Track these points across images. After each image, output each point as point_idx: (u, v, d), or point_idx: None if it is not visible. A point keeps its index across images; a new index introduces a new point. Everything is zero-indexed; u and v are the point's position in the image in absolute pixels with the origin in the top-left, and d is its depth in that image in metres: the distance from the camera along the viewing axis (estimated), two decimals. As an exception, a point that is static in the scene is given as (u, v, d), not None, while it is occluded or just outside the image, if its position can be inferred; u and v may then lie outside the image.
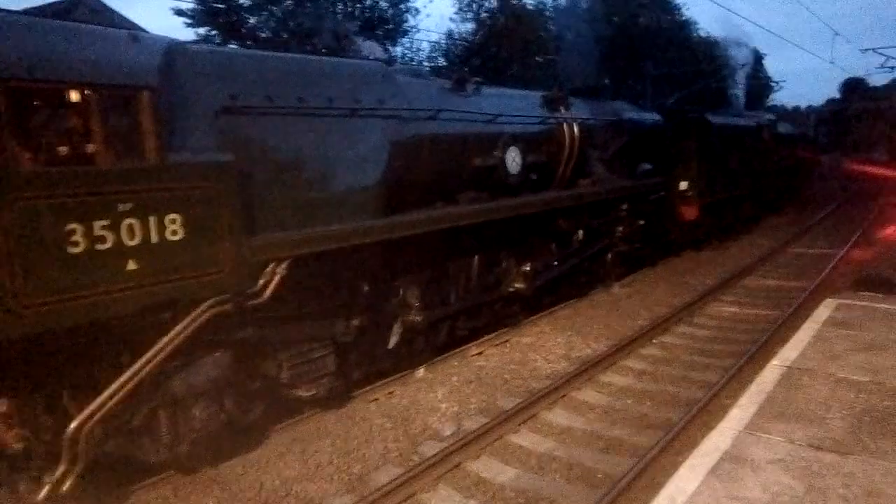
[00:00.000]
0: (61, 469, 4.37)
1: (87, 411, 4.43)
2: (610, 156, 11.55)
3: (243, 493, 5.27)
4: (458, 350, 8.44)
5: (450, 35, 28.11)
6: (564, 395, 7.07)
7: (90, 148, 4.35)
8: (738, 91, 24.73)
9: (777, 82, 43.00)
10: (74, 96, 4.32)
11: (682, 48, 31.55)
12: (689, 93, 22.87)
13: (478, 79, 9.15)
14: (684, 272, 13.54)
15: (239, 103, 5.43)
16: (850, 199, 27.06)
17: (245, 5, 21.69)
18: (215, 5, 20.84)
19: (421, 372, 7.74)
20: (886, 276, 10.16)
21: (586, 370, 7.60)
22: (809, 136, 31.17)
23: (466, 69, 19.57)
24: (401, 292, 7.44)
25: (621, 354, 8.28)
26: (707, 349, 8.66)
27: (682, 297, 11.10)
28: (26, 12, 5.01)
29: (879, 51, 26.21)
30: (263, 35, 20.96)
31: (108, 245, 4.23)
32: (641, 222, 12.26)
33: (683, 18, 34.68)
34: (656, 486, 4.30)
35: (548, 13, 29.41)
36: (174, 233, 4.59)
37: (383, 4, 24.80)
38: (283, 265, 5.50)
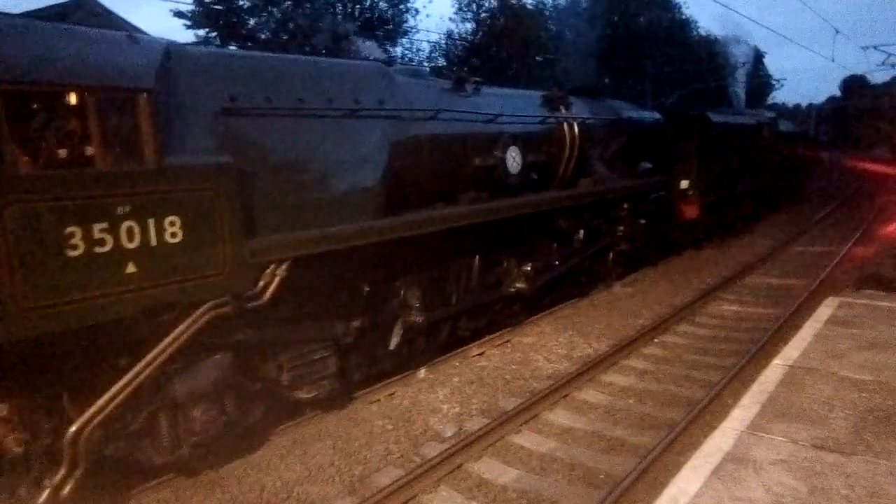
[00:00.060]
0: (62, 472, 4.36)
1: (87, 414, 4.42)
2: (610, 155, 11.54)
3: (244, 496, 5.26)
4: (459, 350, 8.42)
5: (449, 35, 28.12)
6: (566, 395, 7.05)
7: (89, 150, 4.33)
8: (739, 89, 24.71)
9: (777, 80, 43.00)
10: (73, 99, 4.31)
11: (682, 47, 31.52)
12: (689, 91, 22.86)
13: (477, 79, 9.14)
14: (685, 271, 13.52)
15: (238, 105, 5.42)
16: (852, 196, 27.04)
17: (244, 7, 21.70)
18: (215, 7, 20.84)
19: (422, 373, 7.73)
20: (888, 273, 10.13)
21: (588, 370, 7.58)
22: (810, 134, 31.14)
23: (466, 69, 19.58)
24: (401, 293, 7.42)
25: (623, 354, 8.27)
26: (709, 348, 8.65)
27: (683, 296, 11.08)
28: (25, 15, 5.01)
29: (880, 48, 26.17)
30: (263, 36, 20.95)
31: (106, 248, 4.22)
32: (642, 221, 12.24)
33: (683, 17, 34.66)
34: (658, 487, 4.29)
35: (547, 13, 29.41)
36: (173, 235, 4.58)
37: (383, 5, 24.81)
38: (283, 267, 5.49)
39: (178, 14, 20.50)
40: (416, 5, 25.95)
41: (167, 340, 4.73)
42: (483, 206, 8.13)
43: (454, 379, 7.58)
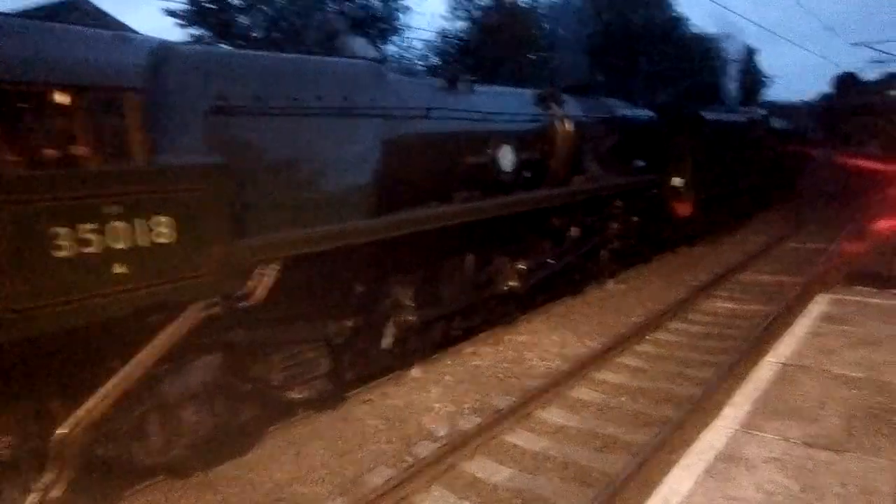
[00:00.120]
0: (50, 475, 4.32)
1: (75, 416, 4.38)
2: (603, 153, 11.53)
3: (236, 497, 5.24)
4: (452, 349, 8.41)
5: (443, 34, 28.05)
6: (559, 394, 7.04)
7: (77, 150, 4.29)
8: (732, 86, 24.75)
9: (770, 77, 43.11)
10: (60, 98, 4.26)
11: (675, 44, 31.56)
12: (682, 89, 22.89)
13: (470, 77, 9.11)
14: (678, 268, 13.55)
15: (228, 103, 5.37)
16: (843, 193, 27.10)
17: (236, 5, 21.59)
18: (206, 6, 20.73)
19: (415, 372, 7.71)
20: (879, 270, 10.15)
21: (581, 368, 7.58)
22: (802, 131, 31.22)
23: (460, 66, 19.54)
24: (394, 292, 7.40)
25: (616, 351, 8.27)
26: (702, 345, 8.66)
27: (676, 293, 11.10)
28: (14, 14, 4.96)
29: (871, 45, 26.26)
30: (255, 35, 20.86)
31: (94, 248, 4.18)
32: (635, 219, 12.26)
33: (675, 15, 34.68)
34: (651, 486, 4.28)
35: (540, 10, 29.38)
36: (162, 235, 4.53)
37: (375, 3, 24.72)
38: (274, 267, 5.45)
39: (171, 13, 20.43)
40: (408, 3, 25.73)
41: (157, 341, 4.69)
42: (475, 205, 8.11)
43: (447, 378, 7.57)
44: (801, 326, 6.92)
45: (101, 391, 4.47)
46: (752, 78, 38.21)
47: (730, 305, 10.63)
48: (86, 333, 4.35)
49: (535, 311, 10.08)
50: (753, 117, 19.97)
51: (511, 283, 9.14)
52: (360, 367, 7.09)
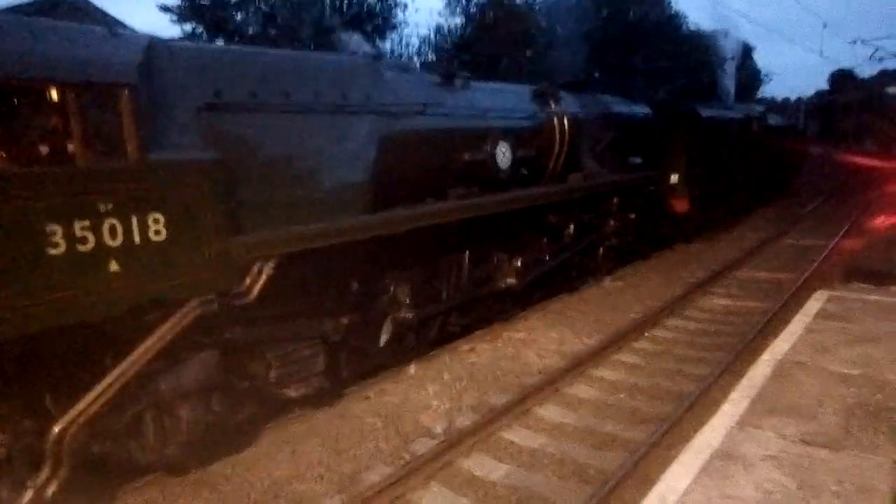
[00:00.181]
0: (45, 473, 4.30)
1: (71, 414, 4.35)
2: (600, 150, 11.53)
3: (232, 494, 5.21)
4: (449, 346, 8.39)
5: (438, 30, 27.98)
6: (556, 391, 7.04)
7: (70, 147, 4.26)
8: (729, 83, 24.74)
9: (766, 74, 43.18)
10: (53, 94, 4.23)
11: (672, 41, 31.53)
12: (679, 85, 22.87)
13: (466, 73, 9.09)
14: (676, 265, 13.54)
15: (222, 100, 5.34)
16: (840, 190, 27.17)
17: (231, 2, 21.50)
18: (201, 2, 20.64)
19: (412, 369, 7.69)
20: (876, 267, 10.17)
21: (578, 365, 7.57)
22: (799, 127, 31.27)
23: (456, 62, 19.49)
24: (391, 289, 7.38)
25: (613, 349, 8.26)
26: (699, 342, 8.66)
27: (673, 290, 11.09)
28: (6, 10, 4.92)
29: (868, 42, 26.28)
30: (250, 31, 20.78)
31: (89, 246, 4.15)
32: (632, 216, 12.24)
33: (672, 11, 34.66)
34: (648, 483, 4.27)
35: (537, 7, 29.31)
36: (157, 233, 4.51)
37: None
38: (270, 264, 5.42)
39: (165, 9, 20.34)
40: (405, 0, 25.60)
41: (152, 339, 4.67)
42: (472, 202, 8.08)
43: (444, 375, 7.55)
44: (799, 323, 6.92)
45: (97, 389, 4.44)
46: (749, 75, 38.25)
47: (727, 302, 10.63)
48: (81, 331, 4.33)
49: (532, 309, 10.07)
50: (750, 114, 19.97)
51: (508, 280, 9.13)
52: (357, 365, 7.07)
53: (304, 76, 6.22)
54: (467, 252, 8.52)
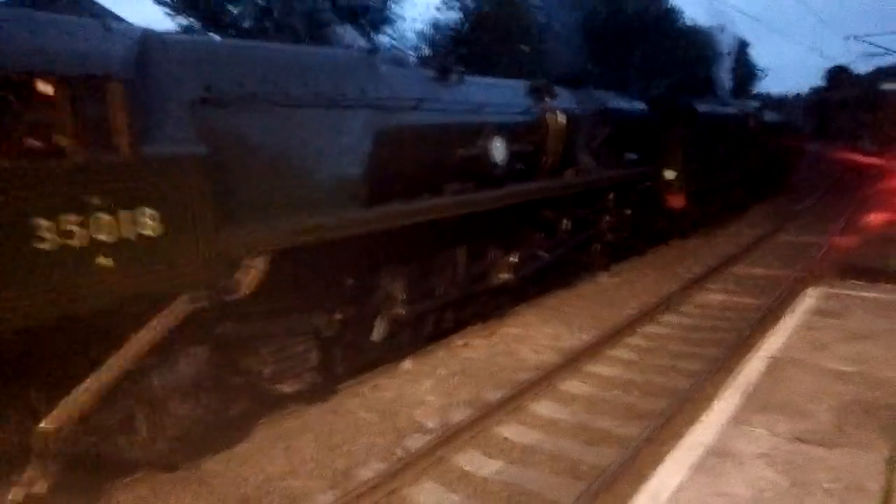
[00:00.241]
0: (34, 470, 4.27)
1: (59, 409, 4.32)
2: (596, 145, 11.51)
3: (225, 490, 5.19)
4: (444, 341, 8.38)
5: (435, 25, 27.88)
6: (551, 386, 7.03)
7: (60, 141, 4.21)
8: (725, 79, 24.73)
9: (762, 70, 43.19)
10: (44, 87, 4.18)
11: (668, 37, 31.49)
12: (675, 81, 22.84)
13: (461, 68, 9.05)
14: (671, 261, 13.55)
15: (216, 94, 5.29)
16: (836, 186, 27.21)
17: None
18: (196, -5, 20.52)
19: (407, 364, 7.67)
20: (871, 263, 10.17)
21: (573, 361, 7.56)
22: (795, 124, 31.28)
23: (453, 57, 19.43)
24: (385, 285, 7.35)
25: (608, 344, 8.26)
26: (694, 338, 8.66)
27: (669, 286, 11.09)
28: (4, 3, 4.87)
29: (863, 38, 26.28)
30: (246, 25, 20.66)
31: (78, 240, 4.11)
32: (628, 212, 12.24)
33: (668, 6, 34.61)
34: (641, 479, 4.26)
35: (533, 2, 29.22)
36: (148, 227, 4.47)
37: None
38: (263, 259, 5.39)
39: (160, 2, 20.21)
40: (401, -6, 25.52)
41: (142, 334, 4.64)
42: (467, 197, 8.06)
43: (439, 370, 7.53)
44: (793, 320, 6.91)
45: (86, 384, 4.41)
46: (745, 71, 38.25)
47: (722, 298, 10.64)
48: (70, 326, 4.29)
49: (527, 304, 10.06)
50: (746, 110, 19.96)
51: (503, 276, 9.11)
52: (351, 360, 7.05)
53: (300, 70, 6.18)
54: (462, 247, 8.50)
